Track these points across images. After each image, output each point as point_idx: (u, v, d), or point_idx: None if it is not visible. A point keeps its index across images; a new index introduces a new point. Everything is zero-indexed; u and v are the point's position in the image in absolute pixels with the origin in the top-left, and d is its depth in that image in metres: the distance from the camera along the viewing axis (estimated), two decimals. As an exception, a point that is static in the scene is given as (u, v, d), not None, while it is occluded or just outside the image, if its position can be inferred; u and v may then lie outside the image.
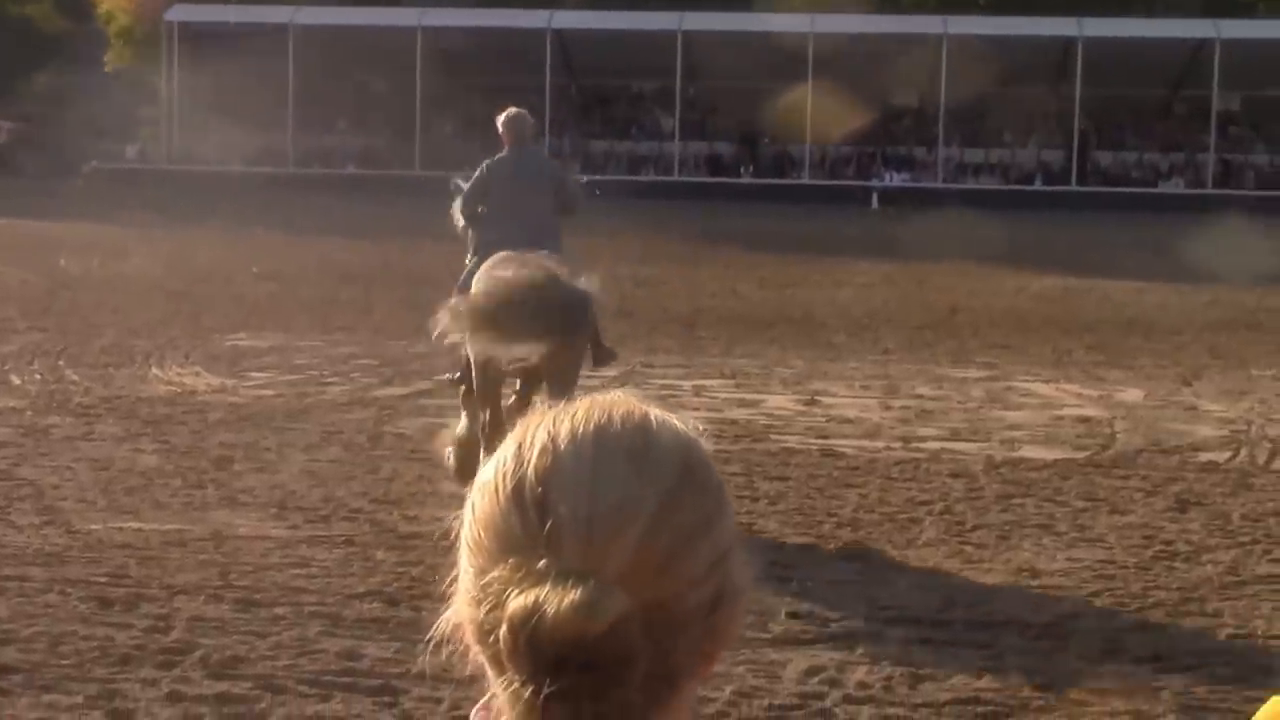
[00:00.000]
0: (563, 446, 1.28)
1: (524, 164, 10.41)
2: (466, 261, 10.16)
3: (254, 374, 14.45)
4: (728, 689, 6.18)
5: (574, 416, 1.32)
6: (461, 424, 9.76)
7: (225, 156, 52.20)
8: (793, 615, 7.26)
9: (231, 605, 7.24)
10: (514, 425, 1.37)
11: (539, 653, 1.20)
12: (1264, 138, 57.59)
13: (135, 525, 8.72)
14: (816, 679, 6.44)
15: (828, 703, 6.18)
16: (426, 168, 52.78)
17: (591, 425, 1.30)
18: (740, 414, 12.79)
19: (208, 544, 8.34)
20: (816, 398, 13.64)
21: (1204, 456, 11.38)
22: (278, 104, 54.06)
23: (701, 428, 1.38)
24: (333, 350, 16.08)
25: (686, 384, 14.23)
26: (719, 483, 1.34)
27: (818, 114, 51.23)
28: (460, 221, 10.55)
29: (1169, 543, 8.86)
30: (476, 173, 10.48)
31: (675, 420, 1.35)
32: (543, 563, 1.22)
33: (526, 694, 1.22)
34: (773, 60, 51.10)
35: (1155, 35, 53.74)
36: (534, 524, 1.25)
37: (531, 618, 1.20)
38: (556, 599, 1.19)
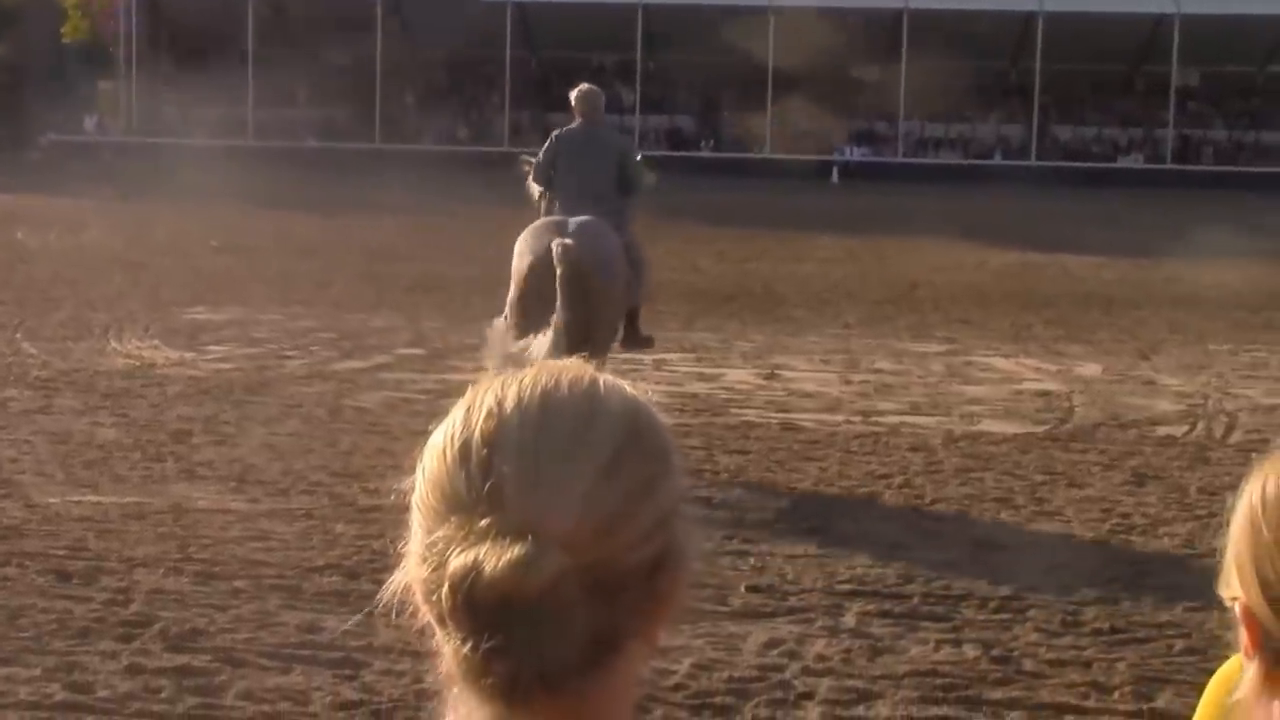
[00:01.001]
0: (509, 410, 1.30)
1: (592, 139, 10.77)
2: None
3: (213, 347, 14.39)
4: (687, 661, 6.20)
5: (522, 382, 1.33)
6: None
7: (184, 129, 51.84)
8: (752, 588, 7.29)
9: (191, 578, 7.23)
10: None
11: (476, 609, 1.22)
12: (1222, 113, 57.84)
13: (94, 498, 8.69)
14: (776, 651, 6.47)
15: (787, 675, 6.20)
16: (386, 141, 52.66)
17: (539, 390, 1.32)
18: (700, 388, 12.81)
19: (167, 517, 8.32)
20: (776, 372, 13.67)
21: (1162, 430, 11.46)
22: (237, 76, 53.67)
23: (653, 393, 1.38)
24: (292, 324, 16.02)
25: (646, 358, 14.22)
26: (668, 446, 1.35)
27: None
28: (536, 192, 10.95)
29: (1126, 516, 8.91)
30: (546, 142, 10.89)
31: (625, 385, 1.36)
32: (484, 522, 1.24)
33: (466, 650, 1.24)
34: (733, 34, 51.06)
35: (1115, 10, 53.79)
36: (478, 484, 1.26)
37: (470, 575, 1.22)
38: (494, 556, 1.21)
